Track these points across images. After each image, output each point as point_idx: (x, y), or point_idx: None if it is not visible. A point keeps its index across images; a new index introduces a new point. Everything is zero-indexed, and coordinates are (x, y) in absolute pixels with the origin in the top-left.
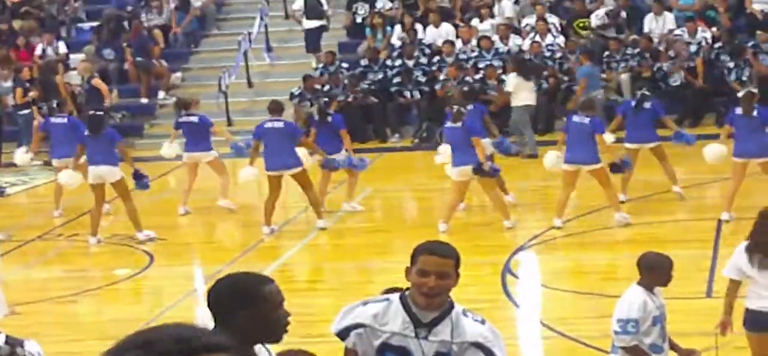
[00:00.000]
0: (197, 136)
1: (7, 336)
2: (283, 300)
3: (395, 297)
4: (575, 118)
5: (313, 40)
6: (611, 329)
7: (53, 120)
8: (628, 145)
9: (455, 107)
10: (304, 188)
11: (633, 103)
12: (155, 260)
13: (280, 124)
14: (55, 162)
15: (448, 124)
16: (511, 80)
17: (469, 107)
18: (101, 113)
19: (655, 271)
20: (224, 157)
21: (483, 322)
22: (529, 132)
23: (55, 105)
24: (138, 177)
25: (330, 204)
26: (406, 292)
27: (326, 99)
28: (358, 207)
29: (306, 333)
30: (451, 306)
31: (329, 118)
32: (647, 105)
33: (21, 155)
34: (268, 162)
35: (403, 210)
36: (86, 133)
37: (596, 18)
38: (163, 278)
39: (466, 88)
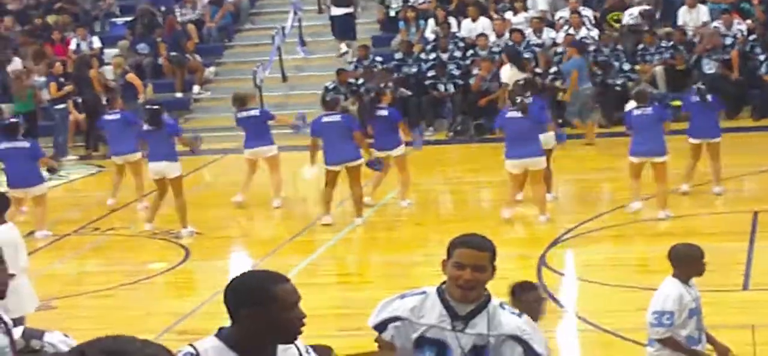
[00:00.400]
0: (257, 130)
1: (24, 329)
2: (299, 300)
3: (432, 289)
4: (636, 112)
5: (341, 27)
6: (646, 321)
7: (107, 117)
8: (692, 140)
9: (519, 99)
10: (353, 182)
11: (695, 98)
12: (191, 254)
13: (338, 118)
14: (114, 158)
15: (510, 115)
16: (506, 72)
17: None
18: (158, 106)
19: (686, 263)
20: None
21: (520, 315)
22: None
23: (105, 102)
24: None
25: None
26: (443, 285)
27: (373, 94)
28: (411, 203)
29: (342, 327)
30: (488, 299)
31: (384, 112)
32: (709, 98)
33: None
34: (328, 156)
35: (439, 204)
36: (146, 127)
37: (629, 17)
38: (199, 272)
39: (521, 82)
